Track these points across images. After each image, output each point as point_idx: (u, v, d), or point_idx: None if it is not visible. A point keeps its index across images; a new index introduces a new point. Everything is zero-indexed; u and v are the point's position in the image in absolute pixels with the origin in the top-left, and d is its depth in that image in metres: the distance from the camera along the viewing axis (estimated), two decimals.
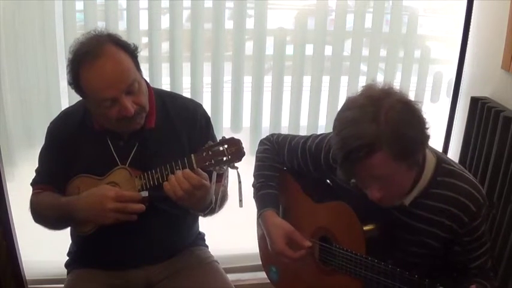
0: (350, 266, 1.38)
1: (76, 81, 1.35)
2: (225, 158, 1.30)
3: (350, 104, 1.20)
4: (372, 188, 1.22)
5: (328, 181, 1.57)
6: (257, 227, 1.72)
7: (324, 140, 1.48)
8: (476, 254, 1.31)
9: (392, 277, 1.28)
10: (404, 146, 1.14)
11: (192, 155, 1.32)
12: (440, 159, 1.32)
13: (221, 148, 1.30)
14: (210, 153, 1.31)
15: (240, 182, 1.37)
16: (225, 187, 1.47)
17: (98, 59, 1.31)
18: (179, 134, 1.51)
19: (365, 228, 1.35)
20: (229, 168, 1.33)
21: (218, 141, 1.32)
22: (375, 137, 1.12)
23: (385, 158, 1.13)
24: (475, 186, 1.28)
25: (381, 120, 1.12)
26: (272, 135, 1.66)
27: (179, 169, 1.32)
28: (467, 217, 1.26)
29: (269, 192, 1.55)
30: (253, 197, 1.60)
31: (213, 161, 1.31)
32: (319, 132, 1.58)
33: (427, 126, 1.19)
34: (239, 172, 1.35)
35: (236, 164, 1.32)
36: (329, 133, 1.48)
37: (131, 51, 1.39)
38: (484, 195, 1.29)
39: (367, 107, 1.15)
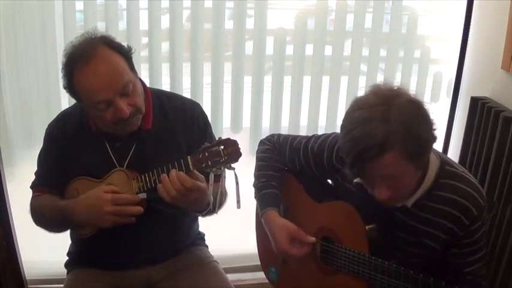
0: (353, 265, 1.38)
1: (70, 84, 1.35)
2: (221, 159, 1.30)
3: (359, 103, 1.19)
4: (380, 187, 1.21)
5: (329, 181, 1.57)
6: (256, 227, 1.72)
7: (326, 140, 1.47)
8: (472, 259, 1.31)
9: (396, 276, 1.28)
10: (415, 145, 1.14)
11: (188, 156, 1.32)
12: (444, 161, 1.32)
13: (217, 149, 1.30)
14: (206, 154, 1.31)
15: (237, 183, 1.37)
16: (223, 188, 1.47)
17: (91, 61, 1.30)
18: (177, 135, 1.51)
19: (367, 227, 1.35)
20: (226, 169, 1.33)
21: (214, 142, 1.32)
22: (386, 137, 1.11)
23: (396, 157, 1.13)
24: (476, 189, 1.27)
25: (392, 120, 1.12)
26: (272, 135, 1.66)
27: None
28: (468, 220, 1.26)
29: (270, 192, 1.55)
30: (255, 197, 1.60)
31: (209, 162, 1.30)
32: (319, 132, 1.58)
33: (434, 127, 1.19)
34: (236, 173, 1.35)
35: (233, 165, 1.32)
36: (331, 133, 1.49)
37: (125, 53, 1.38)
38: (485, 198, 1.28)
39: (377, 106, 1.14)
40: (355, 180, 1.32)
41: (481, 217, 1.27)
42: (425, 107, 1.18)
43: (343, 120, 1.22)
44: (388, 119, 1.12)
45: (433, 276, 1.25)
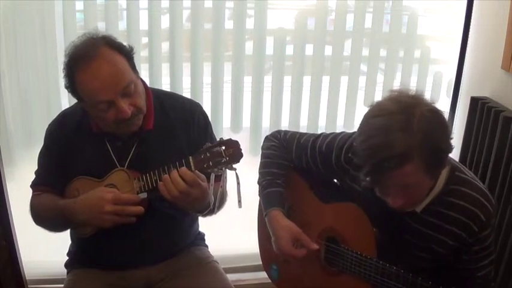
0: (359, 268, 1.37)
1: (72, 84, 1.35)
2: (223, 160, 1.29)
3: (378, 110, 1.17)
4: (395, 195, 1.21)
5: (336, 181, 1.56)
6: (258, 223, 1.72)
7: (335, 140, 1.46)
8: (483, 263, 1.30)
9: (404, 282, 1.27)
10: (436, 156, 1.14)
11: (190, 157, 1.32)
12: (454, 167, 1.31)
13: (219, 150, 1.30)
14: (207, 154, 1.30)
15: (238, 184, 1.37)
16: (224, 188, 1.46)
17: (93, 61, 1.30)
18: (177, 135, 1.51)
19: (375, 230, 1.35)
20: (227, 170, 1.33)
21: (216, 142, 1.32)
22: (407, 148, 1.10)
23: (416, 168, 1.12)
24: (485, 196, 1.27)
25: (413, 130, 1.10)
26: (279, 131, 1.64)
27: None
28: (477, 226, 1.26)
29: (276, 190, 1.53)
30: (259, 194, 1.59)
31: (211, 163, 1.30)
32: (319, 132, 1.57)
33: (451, 136, 1.18)
34: (237, 173, 1.35)
35: (234, 165, 1.32)
36: (340, 133, 1.48)
37: (126, 53, 1.38)
38: (494, 204, 1.28)
39: (397, 115, 1.12)
40: (363, 183, 1.30)
41: (489, 223, 1.26)
42: (444, 115, 1.17)
43: (361, 125, 1.20)
44: (409, 129, 1.10)
45: (440, 280, 1.24)
